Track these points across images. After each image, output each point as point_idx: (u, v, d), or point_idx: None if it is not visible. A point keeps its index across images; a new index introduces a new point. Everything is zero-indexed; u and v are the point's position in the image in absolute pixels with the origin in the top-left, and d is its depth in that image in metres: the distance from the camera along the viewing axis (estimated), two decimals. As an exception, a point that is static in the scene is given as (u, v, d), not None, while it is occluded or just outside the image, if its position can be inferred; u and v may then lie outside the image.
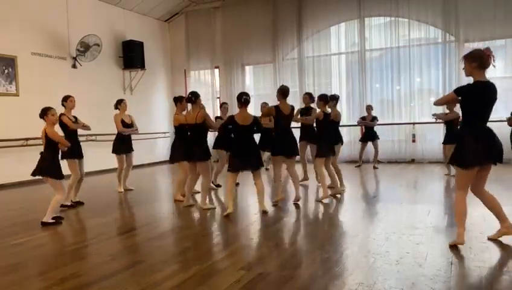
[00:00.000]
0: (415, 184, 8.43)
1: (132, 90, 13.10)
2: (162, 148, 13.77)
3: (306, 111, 7.85)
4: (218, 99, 14.00)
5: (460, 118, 4.94)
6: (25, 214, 6.40)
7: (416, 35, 11.89)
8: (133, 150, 8.27)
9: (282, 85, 6.59)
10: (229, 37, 13.73)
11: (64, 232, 5.46)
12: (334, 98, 7.44)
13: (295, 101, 11.46)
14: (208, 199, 6.41)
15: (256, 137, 6.21)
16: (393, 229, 4.72)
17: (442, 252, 3.92)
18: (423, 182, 8.64)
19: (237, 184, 7.86)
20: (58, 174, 5.62)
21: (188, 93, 6.69)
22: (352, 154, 12.04)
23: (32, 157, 5.63)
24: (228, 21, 13.74)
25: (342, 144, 7.79)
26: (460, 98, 3.96)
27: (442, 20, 11.35)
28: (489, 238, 4.16)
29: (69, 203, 6.72)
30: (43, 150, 5.64)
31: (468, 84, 3.97)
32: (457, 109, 5.80)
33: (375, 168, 10.60)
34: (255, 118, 5.95)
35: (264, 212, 5.81)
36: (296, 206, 6.24)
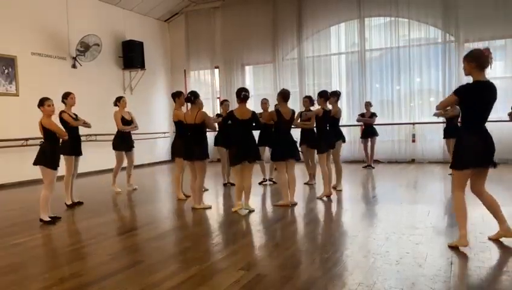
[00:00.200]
0: (415, 184, 8.43)
1: (132, 90, 13.09)
2: (162, 148, 13.78)
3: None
4: (218, 100, 14.00)
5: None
6: (25, 214, 6.40)
7: (416, 36, 11.89)
8: (133, 147, 8.22)
9: (283, 89, 6.57)
10: (229, 37, 13.72)
11: (64, 232, 5.45)
12: (336, 94, 7.43)
13: (295, 101, 11.48)
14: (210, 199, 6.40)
15: (256, 134, 6.22)
16: (393, 230, 4.72)
17: (442, 252, 3.92)
18: (423, 182, 8.64)
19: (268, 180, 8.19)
20: (52, 164, 5.53)
21: (187, 93, 6.69)
22: (354, 154, 12.06)
23: (32, 157, 5.62)
24: (228, 21, 13.73)
25: (344, 142, 7.76)
26: (459, 97, 3.96)
27: (442, 20, 11.35)
28: (490, 238, 4.16)
29: (69, 203, 6.73)
30: (43, 140, 5.65)
31: (468, 84, 3.97)
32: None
33: (371, 167, 10.61)
34: (254, 112, 6.00)
35: (249, 212, 5.84)
36: (292, 209, 6.08)
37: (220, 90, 14.10)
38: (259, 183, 8.29)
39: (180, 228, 5.52)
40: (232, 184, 8.03)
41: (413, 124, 11.70)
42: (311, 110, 7.77)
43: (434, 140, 11.37)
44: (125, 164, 8.19)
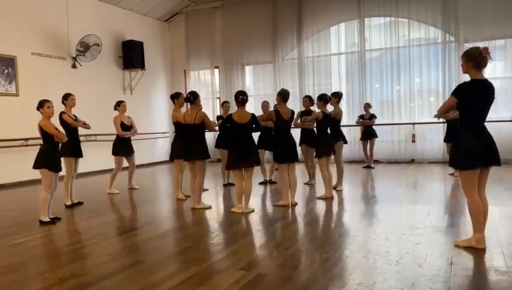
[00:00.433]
0: (414, 184, 8.43)
1: (132, 90, 13.10)
2: (162, 148, 13.77)
3: (306, 114, 7.82)
4: (218, 100, 14.01)
5: None
6: (25, 214, 6.39)
7: (416, 36, 11.88)
8: (133, 152, 8.23)
9: (283, 89, 6.51)
10: (229, 37, 13.72)
11: (64, 232, 5.45)
12: (337, 95, 7.41)
13: (295, 101, 11.48)
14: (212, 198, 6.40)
15: (255, 136, 6.21)
16: (393, 230, 4.72)
17: (442, 252, 3.92)
18: (423, 182, 8.64)
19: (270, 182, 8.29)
20: (52, 166, 5.50)
21: (187, 93, 6.68)
22: (354, 154, 12.06)
23: (32, 157, 5.62)
24: (228, 21, 13.74)
25: (346, 143, 7.75)
26: (458, 98, 3.93)
27: (442, 20, 11.34)
28: (456, 245, 4.03)
29: (69, 203, 6.73)
30: (42, 143, 5.63)
31: (465, 82, 3.95)
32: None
33: (371, 167, 10.61)
34: (253, 115, 5.95)
35: (250, 212, 5.84)
36: (292, 209, 6.10)
37: (219, 90, 14.10)
38: (260, 184, 8.30)
39: (180, 228, 5.52)
40: (232, 184, 8.02)
41: (413, 124, 11.70)
42: (311, 110, 7.78)
43: (434, 140, 11.37)
44: (125, 164, 8.20)
